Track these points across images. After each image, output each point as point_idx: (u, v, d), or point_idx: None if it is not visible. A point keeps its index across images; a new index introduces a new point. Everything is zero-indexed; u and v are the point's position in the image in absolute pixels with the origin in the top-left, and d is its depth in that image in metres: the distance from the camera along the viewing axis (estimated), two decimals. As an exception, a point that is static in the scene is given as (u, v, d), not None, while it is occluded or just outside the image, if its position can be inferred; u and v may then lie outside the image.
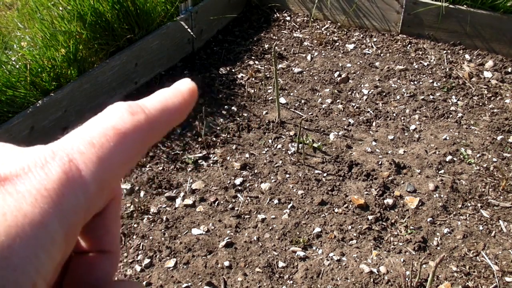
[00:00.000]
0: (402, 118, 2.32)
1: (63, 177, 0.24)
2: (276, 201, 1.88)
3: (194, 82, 0.32)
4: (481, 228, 1.79)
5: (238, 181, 1.97)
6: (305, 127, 2.27)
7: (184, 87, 0.31)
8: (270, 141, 2.18)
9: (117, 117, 0.27)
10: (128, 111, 0.27)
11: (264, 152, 2.12)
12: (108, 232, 0.30)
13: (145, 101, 0.29)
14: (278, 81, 2.54)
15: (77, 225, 0.24)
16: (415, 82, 2.57)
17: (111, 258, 0.31)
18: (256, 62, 2.74)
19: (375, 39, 2.93)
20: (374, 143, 2.17)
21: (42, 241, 0.22)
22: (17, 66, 2.02)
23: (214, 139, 2.18)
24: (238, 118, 2.32)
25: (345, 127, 2.27)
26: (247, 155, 2.10)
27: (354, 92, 2.50)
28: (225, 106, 2.39)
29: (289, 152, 2.12)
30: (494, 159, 2.08)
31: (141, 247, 1.73)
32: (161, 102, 0.29)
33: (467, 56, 2.74)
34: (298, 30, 3.06)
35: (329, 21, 3.11)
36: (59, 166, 0.24)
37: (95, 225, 0.29)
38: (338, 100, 2.44)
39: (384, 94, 2.48)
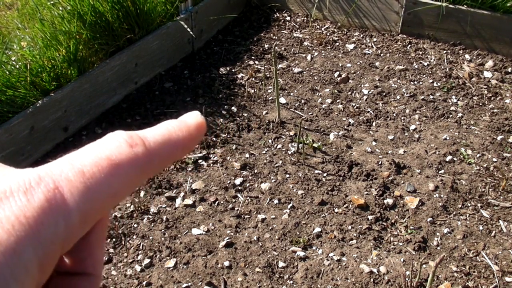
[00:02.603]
0: (402, 118, 2.33)
1: (45, 204, 0.23)
2: (276, 201, 1.88)
3: (202, 116, 0.30)
4: (481, 228, 1.79)
5: (238, 181, 1.97)
6: (305, 127, 2.27)
7: (191, 120, 0.29)
8: (270, 141, 2.18)
9: (114, 147, 0.26)
10: (127, 142, 0.26)
11: (264, 152, 2.12)
12: (91, 255, 0.29)
13: (147, 133, 0.27)
14: (278, 81, 2.54)
15: (54, 254, 0.23)
16: (415, 82, 2.57)
17: (92, 281, 0.29)
18: (256, 62, 2.74)
19: (375, 39, 2.93)
20: (374, 143, 2.17)
21: (14, 270, 0.21)
22: (17, 66, 2.02)
23: (214, 139, 2.18)
24: (238, 118, 2.32)
25: (345, 127, 2.27)
26: (247, 155, 2.10)
27: (354, 92, 2.50)
28: (225, 106, 2.39)
29: (289, 152, 2.12)
30: (494, 159, 2.08)
31: (141, 247, 1.73)
32: (164, 135, 0.28)
33: (467, 56, 2.74)
34: (298, 30, 3.06)
35: (329, 21, 3.11)
36: (43, 192, 0.23)
37: (77, 246, 0.27)
38: (338, 100, 2.44)
39: (384, 94, 2.48)
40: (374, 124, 2.29)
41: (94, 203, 0.24)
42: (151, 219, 1.82)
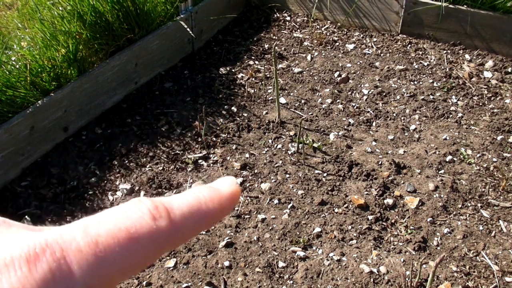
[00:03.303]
0: (402, 118, 2.32)
1: (48, 277, 0.20)
2: (276, 201, 1.88)
3: (238, 184, 0.27)
4: (481, 228, 1.79)
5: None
6: (305, 127, 2.27)
7: (225, 189, 0.27)
8: (270, 141, 2.18)
9: (136, 217, 0.23)
10: (150, 213, 0.24)
11: (264, 152, 2.12)
12: None
13: (174, 202, 0.25)
14: (278, 81, 2.54)
15: None
16: (415, 82, 2.57)
17: None
18: (256, 62, 2.74)
19: (375, 39, 2.93)
20: (374, 143, 2.17)
21: None
22: (17, 66, 2.02)
23: (214, 139, 2.18)
24: (238, 118, 2.31)
25: (345, 127, 2.27)
26: (247, 155, 2.10)
27: (354, 92, 2.50)
28: (225, 106, 2.39)
29: (289, 152, 2.12)
30: (494, 159, 2.08)
31: (141, 247, 1.72)
32: (192, 206, 0.25)
33: (467, 56, 2.74)
34: (298, 30, 3.06)
35: (329, 21, 3.11)
36: (48, 263, 0.21)
37: None
38: (338, 100, 2.44)
39: (384, 94, 2.48)
40: (374, 124, 2.29)
41: (104, 277, 0.22)
42: (151, 219, 1.82)
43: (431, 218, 1.81)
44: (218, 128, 2.25)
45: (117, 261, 0.22)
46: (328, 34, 3.01)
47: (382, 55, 2.80)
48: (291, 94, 2.49)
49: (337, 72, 2.64)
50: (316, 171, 2.02)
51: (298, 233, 1.77)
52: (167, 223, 0.24)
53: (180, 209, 0.25)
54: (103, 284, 0.22)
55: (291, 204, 1.87)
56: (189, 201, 0.25)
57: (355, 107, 2.39)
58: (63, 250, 0.21)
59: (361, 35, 2.98)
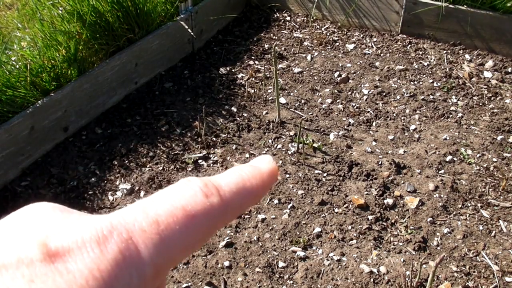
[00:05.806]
0: (402, 118, 2.32)
1: (119, 257, 0.22)
2: (276, 201, 1.88)
3: (275, 162, 0.30)
4: (481, 228, 1.79)
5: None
6: (305, 127, 2.27)
7: (265, 166, 0.29)
8: (270, 141, 2.18)
9: (189, 195, 0.25)
10: (202, 191, 0.25)
11: (264, 152, 2.12)
12: None
13: (221, 181, 0.26)
14: (278, 81, 2.54)
15: None
16: (415, 82, 2.57)
17: None
18: (256, 62, 2.74)
19: (375, 39, 2.93)
20: (374, 143, 2.17)
21: None
22: (17, 66, 2.02)
23: (214, 139, 2.18)
24: (238, 118, 2.32)
25: (345, 127, 2.27)
26: (247, 155, 2.10)
27: (354, 92, 2.50)
28: (225, 106, 2.39)
29: (289, 152, 2.12)
30: (494, 159, 2.08)
31: (141, 247, 1.72)
32: (238, 183, 0.27)
33: (467, 56, 2.74)
34: (298, 30, 3.06)
35: (329, 21, 3.11)
36: (117, 243, 0.22)
37: None
38: (338, 100, 2.44)
39: (384, 94, 2.48)
40: (374, 124, 2.29)
41: (168, 256, 0.23)
42: (151, 219, 1.82)
43: (431, 218, 1.81)
44: (218, 128, 2.25)
45: (178, 238, 0.23)
46: (328, 34, 3.01)
47: (382, 55, 2.80)
48: (291, 94, 2.49)
49: (337, 72, 2.64)
50: (316, 171, 2.02)
51: (298, 233, 1.77)
52: (218, 200, 0.25)
53: (228, 186, 0.26)
54: (167, 262, 0.23)
55: (291, 204, 1.87)
56: (235, 179, 0.27)
57: (355, 107, 2.39)
58: (128, 231, 0.22)
59: (361, 35, 2.98)
